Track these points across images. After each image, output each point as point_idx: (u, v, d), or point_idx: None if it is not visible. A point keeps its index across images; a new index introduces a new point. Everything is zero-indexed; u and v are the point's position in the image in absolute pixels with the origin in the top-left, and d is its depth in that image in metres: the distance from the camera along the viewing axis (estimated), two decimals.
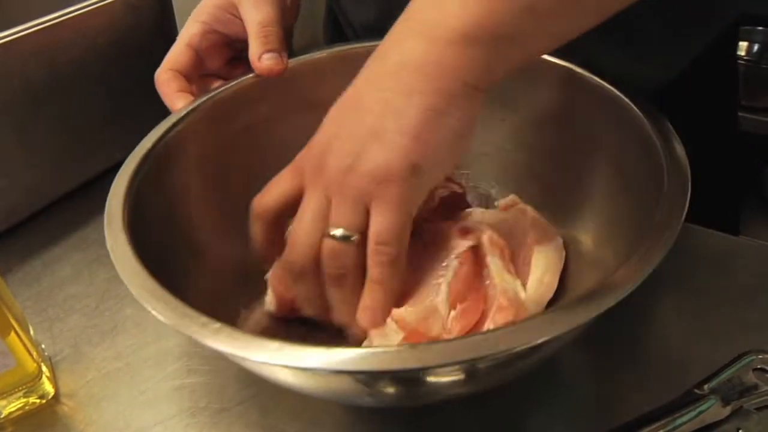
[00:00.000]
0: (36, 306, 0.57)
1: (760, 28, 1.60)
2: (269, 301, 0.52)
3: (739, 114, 1.52)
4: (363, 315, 0.43)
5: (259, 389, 0.49)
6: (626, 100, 0.49)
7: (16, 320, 0.46)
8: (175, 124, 0.54)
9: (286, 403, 0.47)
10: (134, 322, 0.55)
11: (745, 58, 1.60)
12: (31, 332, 0.51)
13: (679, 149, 0.45)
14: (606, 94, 0.51)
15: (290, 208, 0.44)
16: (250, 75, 0.58)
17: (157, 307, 0.38)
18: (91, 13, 0.64)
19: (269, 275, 0.51)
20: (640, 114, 0.48)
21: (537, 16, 0.41)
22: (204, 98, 0.56)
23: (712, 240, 0.59)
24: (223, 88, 0.57)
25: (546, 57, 0.54)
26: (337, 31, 0.81)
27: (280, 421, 0.46)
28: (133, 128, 0.74)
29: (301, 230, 0.43)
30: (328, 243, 0.42)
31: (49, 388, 0.49)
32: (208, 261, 0.52)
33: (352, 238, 0.41)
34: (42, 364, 0.49)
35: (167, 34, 0.75)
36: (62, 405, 0.49)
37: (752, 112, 1.50)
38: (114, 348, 0.53)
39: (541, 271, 0.50)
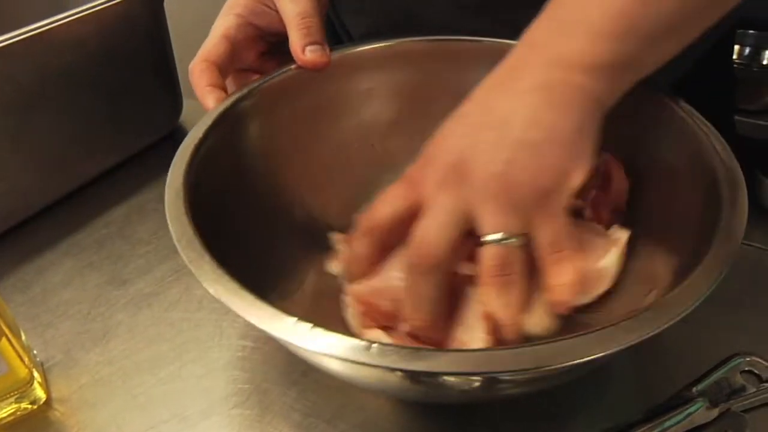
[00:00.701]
0: (28, 312, 0.57)
1: (752, 31, 1.61)
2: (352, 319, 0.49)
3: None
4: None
5: (251, 393, 0.49)
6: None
7: (8, 326, 0.47)
8: (239, 100, 0.54)
9: (280, 406, 0.48)
10: (126, 328, 0.55)
11: (737, 61, 1.61)
12: (23, 338, 0.51)
13: (732, 159, 0.46)
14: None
15: (403, 224, 0.44)
16: (292, 66, 0.57)
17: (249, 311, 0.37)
18: (83, 19, 0.64)
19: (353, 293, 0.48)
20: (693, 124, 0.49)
21: (656, 44, 0.44)
22: (267, 79, 0.56)
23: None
24: (282, 70, 0.57)
25: None
26: (335, 40, 0.81)
27: (272, 426, 0.47)
28: (125, 133, 0.75)
29: (432, 229, 0.42)
30: (490, 249, 0.41)
31: (40, 393, 0.49)
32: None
33: (517, 241, 0.41)
34: (34, 369, 0.49)
35: (159, 40, 0.75)
36: (54, 410, 0.49)
37: (744, 115, 1.51)
38: (106, 353, 0.53)
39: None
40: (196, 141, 0.48)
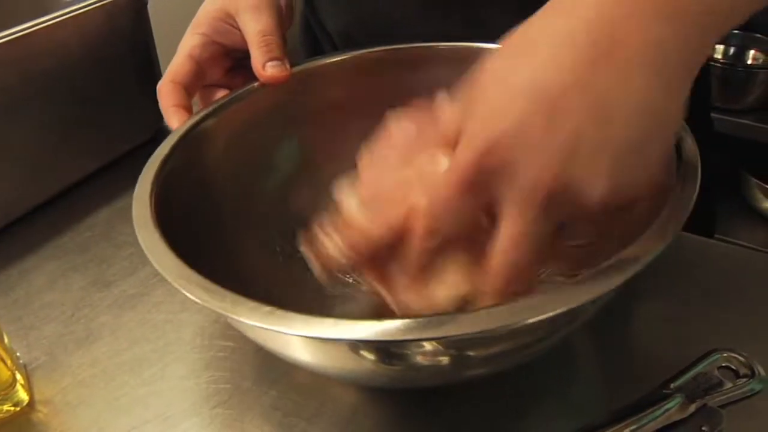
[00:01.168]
0: (11, 314, 0.57)
1: (736, 31, 1.62)
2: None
3: (716, 116, 1.54)
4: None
5: (232, 393, 0.49)
6: None
7: None
8: (203, 119, 0.56)
9: (261, 405, 0.48)
10: (110, 329, 0.55)
11: (721, 60, 1.62)
12: (6, 340, 0.51)
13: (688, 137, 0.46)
14: None
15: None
16: (255, 84, 0.59)
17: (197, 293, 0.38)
18: (65, 23, 0.64)
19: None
20: None
21: None
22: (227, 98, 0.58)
23: (681, 240, 0.60)
24: (242, 90, 0.59)
25: None
26: (312, 38, 0.81)
27: (253, 425, 0.47)
28: (108, 137, 0.75)
29: (522, 253, 0.37)
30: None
31: (23, 395, 0.50)
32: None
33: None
34: (16, 372, 0.49)
35: (142, 43, 0.75)
36: (37, 412, 0.49)
37: (729, 114, 1.52)
38: (89, 355, 0.53)
39: None
40: (162, 157, 0.50)
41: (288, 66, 0.58)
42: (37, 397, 0.51)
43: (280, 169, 0.60)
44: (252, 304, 0.36)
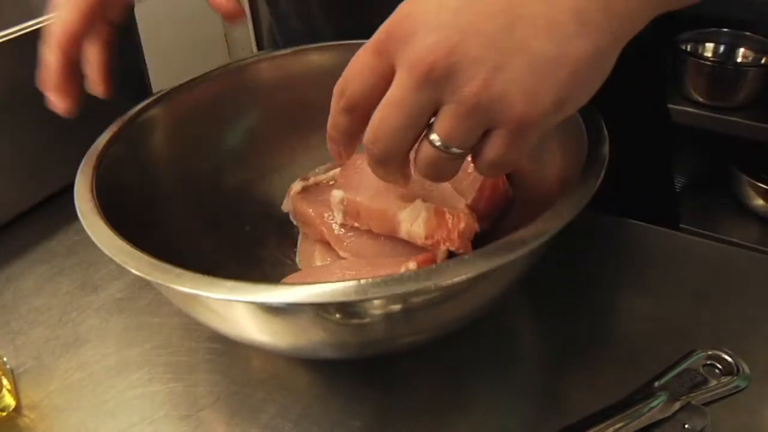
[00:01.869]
0: None
1: (726, 29, 1.63)
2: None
3: (707, 114, 1.55)
4: None
5: (219, 396, 0.49)
6: None
7: None
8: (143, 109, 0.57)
9: (247, 407, 0.48)
10: (97, 333, 0.55)
11: (711, 59, 1.62)
12: None
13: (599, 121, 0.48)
14: None
15: (380, 95, 0.39)
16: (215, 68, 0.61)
17: (128, 261, 0.40)
18: None
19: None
20: None
21: None
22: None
23: (662, 239, 0.60)
24: (188, 80, 0.60)
25: None
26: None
27: (240, 427, 0.47)
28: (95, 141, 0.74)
29: (392, 119, 0.38)
30: (429, 150, 0.39)
31: (9, 400, 0.50)
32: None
33: (458, 153, 0.39)
34: (3, 377, 0.49)
35: (129, 47, 0.75)
36: (24, 417, 0.49)
37: (719, 112, 1.53)
38: (77, 359, 0.53)
39: None
40: (102, 145, 0.53)
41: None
42: (24, 401, 0.51)
43: (228, 153, 0.62)
44: (187, 273, 0.39)
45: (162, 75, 0.80)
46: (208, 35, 1.85)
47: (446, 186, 0.54)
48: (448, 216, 0.50)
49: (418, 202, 0.50)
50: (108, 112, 0.59)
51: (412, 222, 0.50)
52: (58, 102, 0.54)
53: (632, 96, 0.74)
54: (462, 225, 0.50)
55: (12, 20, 0.65)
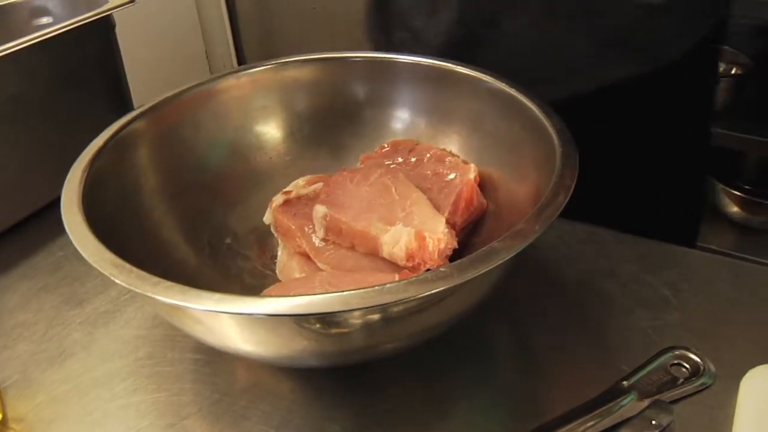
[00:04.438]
0: None
1: None
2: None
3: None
4: None
5: (203, 404, 0.50)
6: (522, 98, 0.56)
7: None
8: (128, 123, 0.58)
9: (231, 415, 0.49)
10: (81, 346, 0.56)
11: None
12: None
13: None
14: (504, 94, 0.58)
15: None
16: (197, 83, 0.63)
17: (113, 272, 0.42)
18: (35, 47, 0.66)
19: None
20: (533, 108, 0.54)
21: None
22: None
23: (632, 245, 0.62)
24: (171, 94, 0.61)
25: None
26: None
27: None
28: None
29: None
30: None
31: None
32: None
33: None
34: None
35: (111, 65, 0.77)
36: (10, 429, 0.50)
37: None
38: (62, 372, 0.54)
39: None
40: (90, 155, 0.53)
41: None
42: (10, 414, 0.51)
43: (210, 167, 0.63)
44: (168, 283, 0.40)
45: (143, 91, 0.81)
46: (188, 51, 1.86)
47: (426, 204, 0.56)
48: (428, 240, 0.51)
49: (400, 227, 0.52)
50: (89, 128, 0.60)
51: (394, 245, 0.52)
52: None
53: (672, 118, 0.75)
54: (442, 246, 0.52)
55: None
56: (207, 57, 2.15)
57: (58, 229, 0.70)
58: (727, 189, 1.62)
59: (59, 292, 0.62)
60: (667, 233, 0.63)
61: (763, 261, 1.53)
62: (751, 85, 1.55)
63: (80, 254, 0.66)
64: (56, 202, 0.73)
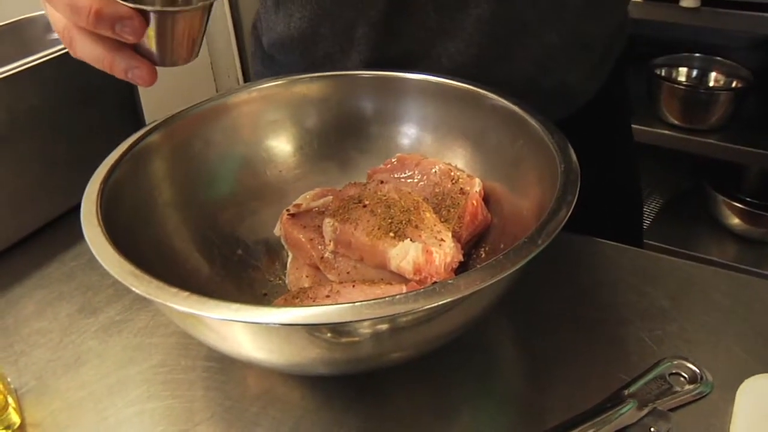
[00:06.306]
0: (2, 341, 0.60)
1: (698, 54, 1.68)
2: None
3: (682, 136, 1.59)
4: None
5: (215, 411, 0.52)
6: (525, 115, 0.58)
7: None
8: (143, 137, 0.59)
9: (242, 421, 0.51)
10: (96, 353, 0.58)
11: (684, 83, 1.67)
12: None
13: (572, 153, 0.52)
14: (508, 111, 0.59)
15: None
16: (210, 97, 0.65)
17: (134, 282, 0.43)
18: (49, 63, 0.67)
19: None
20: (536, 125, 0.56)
21: None
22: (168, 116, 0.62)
23: (632, 257, 0.64)
24: (185, 108, 0.63)
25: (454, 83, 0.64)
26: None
27: None
28: (92, 171, 0.77)
29: None
30: None
31: (15, 418, 0.52)
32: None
33: None
34: (8, 396, 0.52)
35: (124, 81, 0.78)
36: None
37: (693, 134, 1.57)
38: (77, 378, 0.56)
39: None
40: (109, 166, 0.55)
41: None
42: (27, 420, 0.53)
43: (222, 180, 0.65)
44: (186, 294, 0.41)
45: (150, 103, 0.83)
46: (194, 63, 1.88)
47: (432, 218, 0.57)
48: (435, 254, 0.53)
49: (407, 242, 0.54)
50: (101, 141, 0.62)
51: (401, 259, 0.53)
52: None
53: (602, 119, 0.79)
54: (448, 260, 0.53)
55: (10, 56, 0.68)
56: (212, 68, 2.17)
57: (71, 239, 0.72)
58: (728, 201, 1.64)
59: (73, 301, 0.64)
60: (615, 234, 0.67)
61: (763, 272, 1.55)
62: (751, 97, 1.57)
63: (93, 264, 0.68)
64: (68, 212, 0.75)
